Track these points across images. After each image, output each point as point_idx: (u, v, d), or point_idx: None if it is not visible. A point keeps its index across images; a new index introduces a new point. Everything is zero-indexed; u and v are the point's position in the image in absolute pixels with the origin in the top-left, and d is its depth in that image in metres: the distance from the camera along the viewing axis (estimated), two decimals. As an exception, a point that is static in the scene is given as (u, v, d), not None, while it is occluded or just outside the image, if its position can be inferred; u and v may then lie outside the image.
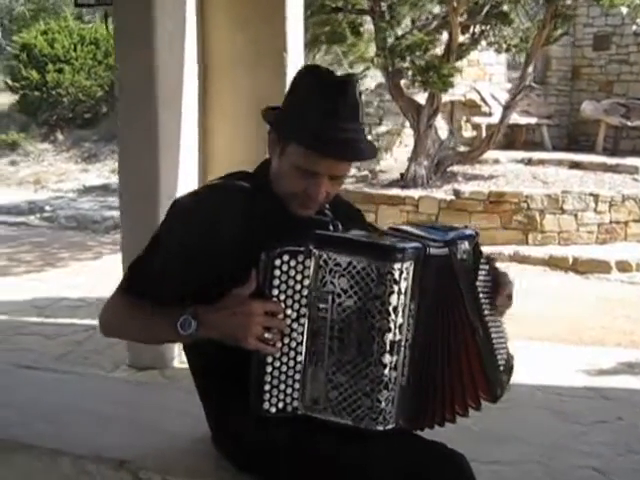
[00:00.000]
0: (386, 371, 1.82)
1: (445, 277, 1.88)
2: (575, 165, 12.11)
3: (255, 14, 4.37)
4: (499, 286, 2.02)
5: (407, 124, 11.98)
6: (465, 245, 1.93)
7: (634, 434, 3.80)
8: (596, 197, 10.58)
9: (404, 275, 1.79)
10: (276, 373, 1.84)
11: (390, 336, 1.81)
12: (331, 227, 1.96)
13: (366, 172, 12.08)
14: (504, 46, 12.13)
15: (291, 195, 1.96)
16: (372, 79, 14.31)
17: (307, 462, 1.91)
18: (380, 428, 1.84)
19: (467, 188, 10.76)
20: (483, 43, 11.99)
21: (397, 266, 1.78)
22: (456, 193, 10.61)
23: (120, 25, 4.48)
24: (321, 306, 1.82)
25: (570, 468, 3.39)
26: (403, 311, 1.81)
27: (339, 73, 1.96)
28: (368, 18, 11.37)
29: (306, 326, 1.84)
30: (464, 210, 10.44)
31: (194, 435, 2.24)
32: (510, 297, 2.04)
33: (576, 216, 10.50)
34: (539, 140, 13.92)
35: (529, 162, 12.33)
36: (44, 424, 2.48)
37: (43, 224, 11.78)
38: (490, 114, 13.23)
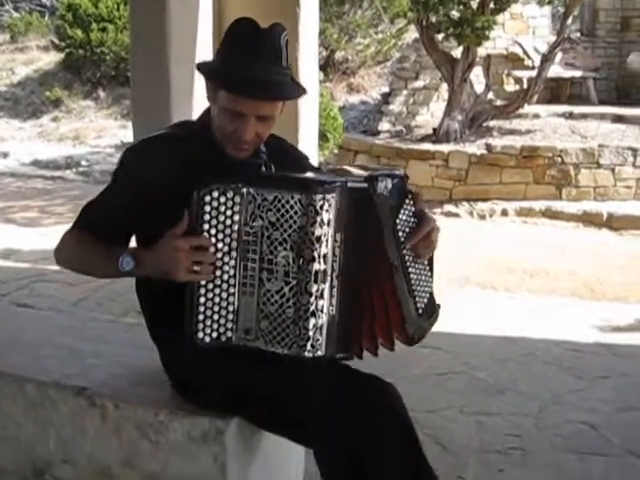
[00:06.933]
0: (312, 299, 1.93)
1: (364, 209, 1.98)
2: (618, 119, 11.79)
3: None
4: (419, 224, 2.07)
5: (445, 79, 11.91)
6: (386, 183, 2.02)
7: (636, 391, 3.81)
8: (635, 151, 10.40)
9: (325, 206, 1.91)
10: (209, 304, 1.96)
11: (315, 265, 1.92)
12: (263, 168, 2.10)
13: (401, 127, 12.07)
14: (546, -2, 11.97)
15: (224, 137, 2.10)
16: (410, 34, 14.24)
17: (242, 392, 2.05)
18: (309, 355, 1.95)
19: (500, 143, 10.68)
20: (525, -5, 11.86)
21: (318, 197, 1.90)
22: (488, 147, 10.56)
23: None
24: (251, 239, 1.95)
25: (563, 423, 3.44)
26: (327, 241, 1.93)
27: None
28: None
29: (237, 259, 1.96)
30: (495, 165, 10.41)
31: (152, 367, 2.37)
32: (430, 238, 2.08)
33: (613, 170, 10.37)
34: (586, 94, 13.65)
35: (570, 116, 12.08)
36: (17, 355, 2.64)
37: (79, 178, 12.13)
38: (533, 67, 12.98)
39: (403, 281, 2.05)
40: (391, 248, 2.03)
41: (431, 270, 2.15)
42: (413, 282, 2.08)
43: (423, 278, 2.12)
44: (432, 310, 2.16)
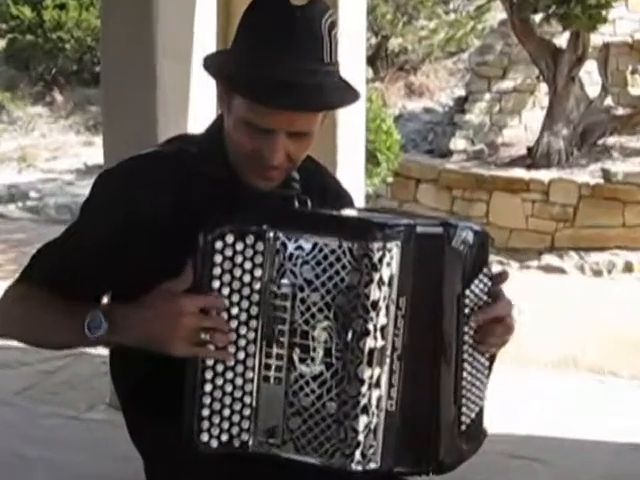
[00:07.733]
0: (364, 389, 1.90)
1: (429, 263, 1.95)
2: None
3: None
4: (493, 303, 2.04)
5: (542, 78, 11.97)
6: (466, 235, 1.98)
7: None
8: None
9: (386, 259, 1.88)
10: (218, 394, 1.94)
11: (370, 342, 1.88)
12: (296, 202, 2.04)
13: (481, 146, 12.11)
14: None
15: (243, 159, 2.07)
16: (495, 14, 14.36)
17: None
18: (357, 468, 1.91)
19: (623, 168, 10.69)
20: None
21: (377, 246, 1.86)
22: (605, 175, 10.59)
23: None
24: (278, 303, 1.92)
25: None
26: (387, 308, 1.89)
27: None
28: None
29: (259, 331, 1.93)
30: (616, 199, 10.42)
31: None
32: (505, 322, 2.05)
33: None
34: None
35: None
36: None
37: (25, 216, 12.19)
38: (669, 62, 13.11)
39: (452, 377, 2.00)
40: (449, 326, 2.00)
41: (488, 377, 2.11)
42: (465, 383, 2.04)
43: (477, 383, 2.07)
44: (477, 433, 2.10)
